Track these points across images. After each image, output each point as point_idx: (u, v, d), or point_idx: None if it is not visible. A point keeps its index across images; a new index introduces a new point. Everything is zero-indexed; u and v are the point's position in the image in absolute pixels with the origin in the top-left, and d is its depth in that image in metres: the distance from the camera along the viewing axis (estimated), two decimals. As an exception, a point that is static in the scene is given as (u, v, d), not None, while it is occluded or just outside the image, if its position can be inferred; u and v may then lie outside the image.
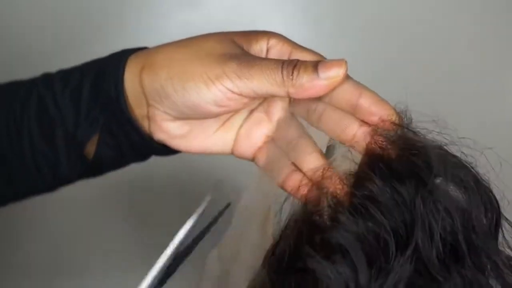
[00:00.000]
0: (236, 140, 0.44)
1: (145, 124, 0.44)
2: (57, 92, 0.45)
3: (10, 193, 0.48)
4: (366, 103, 0.39)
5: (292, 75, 0.39)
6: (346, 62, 0.40)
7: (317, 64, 0.39)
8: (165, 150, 0.45)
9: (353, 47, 1.03)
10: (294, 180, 0.40)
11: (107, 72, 0.44)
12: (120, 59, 0.44)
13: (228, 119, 0.44)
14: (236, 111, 0.44)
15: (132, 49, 0.46)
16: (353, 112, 0.40)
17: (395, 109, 0.40)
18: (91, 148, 0.45)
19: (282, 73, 0.39)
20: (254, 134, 0.44)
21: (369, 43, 1.02)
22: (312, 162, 0.41)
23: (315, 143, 0.42)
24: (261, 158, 0.43)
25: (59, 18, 0.99)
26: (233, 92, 0.40)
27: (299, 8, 1.00)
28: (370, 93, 0.40)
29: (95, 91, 0.44)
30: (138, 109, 0.43)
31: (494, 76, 1.04)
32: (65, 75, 0.47)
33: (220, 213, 0.49)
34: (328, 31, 1.02)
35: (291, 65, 0.39)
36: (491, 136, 1.03)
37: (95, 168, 0.47)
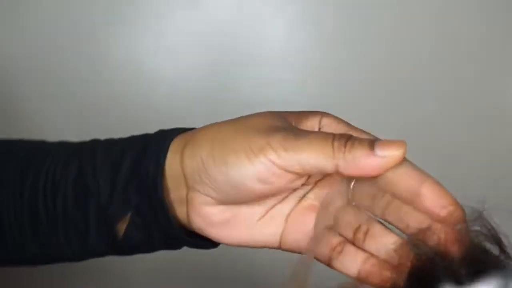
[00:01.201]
0: (285, 230, 0.40)
1: (182, 210, 0.41)
2: (98, 161, 0.43)
3: (40, 253, 0.46)
4: (428, 192, 0.35)
5: (344, 147, 0.36)
6: (405, 143, 0.35)
7: (373, 141, 0.36)
8: (199, 242, 0.43)
9: (353, 49, 1.02)
10: (373, 265, 0.36)
11: (149, 151, 0.42)
12: (165, 137, 0.42)
13: (274, 205, 0.41)
14: (281, 193, 0.40)
15: (180, 128, 0.43)
16: (413, 200, 0.35)
17: (457, 204, 0.35)
18: (121, 227, 0.43)
19: (332, 144, 0.36)
20: (308, 222, 0.39)
21: (369, 45, 1.02)
22: (390, 241, 0.37)
23: (385, 226, 0.38)
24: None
25: (59, 18, 0.98)
26: (277, 165, 0.37)
27: (299, 9, 1.00)
28: (433, 181, 0.35)
29: (135, 168, 0.42)
30: (176, 191, 0.41)
31: (494, 76, 1.04)
32: (109, 145, 0.45)
33: None
34: (329, 32, 1.02)
35: (344, 138, 0.36)
36: (491, 137, 1.03)
37: (124, 248, 0.44)
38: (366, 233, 0.38)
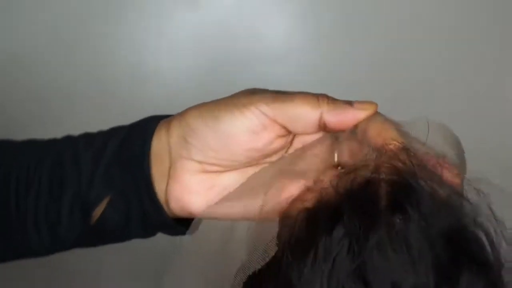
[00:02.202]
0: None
1: (161, 187, 0.42)
2: (80, 149, 0.44)
3: (5, 249, 0.46)
4: (373, 124, 0.39)
5: (327, 100, 0.40)
6: (377, 104, 0.40)
7: (350, 101, 0.40)
8: (176, 225, 0.43)
9: (353, 48, 1.03)
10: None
11: (134, 133, 0.43)
12: (151, 120, 0.44)
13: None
14: (262, 157, 0.41)
15: (163, 115, 0.45)
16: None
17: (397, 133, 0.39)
18: (97, 212, 0.43)
19: (317, 97, 0.40)
20: (288, 189, 0.40)
21: (369, 45, 1.02)
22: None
23: None
24: None
25: (59, 18, 0.99)
26: (267, 115, 0.39)
27: (299, 8, 1.00)
28: (383, 118, 0.40)
29: (119, 151, 0.43)
30: (158, 166, 0.42)
31: (494, 75, 1.04)
32: (90, 135, 0.45)
33: None
34: (328, 32, 1.02)
35: (325, 95, 0.40)
36: (490, 136, 1.03)
37: (94, 234, 0.44)
38: None
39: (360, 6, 1.02)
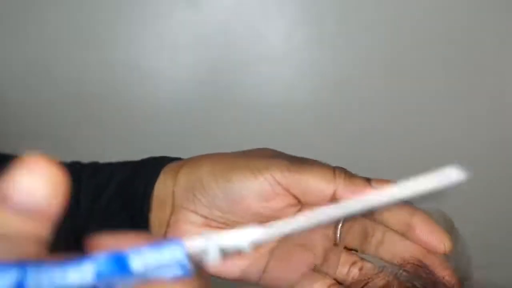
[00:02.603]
0: (268, 264, 0.40)
1: (161, 232, 0.40)
2: (83, 181, 0.43)
3: None
4: (418, 223, 0.38)
5: (344, 175, 0.38)
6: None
7: (368, 178, 0.39)
8: None
9: (353, 48, 1.03)
10: None
11: (140, 172, 0.42)
12: (158, 161, 0.42)
13: None
14: (271, 220, 0.39)
15: (172, 157, 0.43)
16: (405, 231, 0.38)
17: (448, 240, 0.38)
18: None
19: (334, 171, 0.38)
20: (295, 259, 0.39)
21: (370, 43, 1.02)
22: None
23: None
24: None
25: (59, 18, 0.99)
26: (280, 183, 0.38)
27: (299, 8, 1.00)
28: (422, 213, 0.39)
29: (122, 188, 0.42)
30: (158, 212, 0.40)
31: (494, 75, 1.04)
32: (95, 169, 0.44)
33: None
34: (328, 32, 1.02)
35: (344, 169, 0.39)
36: (490, 136, 1.02)
37: None
38: (361, 269, 0.39)
39: (360, 7, 1.02)
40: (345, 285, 0.37)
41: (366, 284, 0.36)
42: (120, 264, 0.19)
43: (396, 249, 0.38)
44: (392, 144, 1.00)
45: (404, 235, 0.38)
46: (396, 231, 0.38)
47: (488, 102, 1.04)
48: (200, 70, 1.01)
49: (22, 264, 0.18)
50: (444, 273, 0.36)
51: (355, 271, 0.38)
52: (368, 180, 0.38)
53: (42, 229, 0.22)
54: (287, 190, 0.38)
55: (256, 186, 0.38)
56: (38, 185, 0.20)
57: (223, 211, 0.39)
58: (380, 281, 0.36)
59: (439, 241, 0.37)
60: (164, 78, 1.01)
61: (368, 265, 0.39)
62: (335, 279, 0.39)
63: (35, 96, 1.00)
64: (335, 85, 1.01)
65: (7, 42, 0.99)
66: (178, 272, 0.18)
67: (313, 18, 1.01)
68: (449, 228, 0.39)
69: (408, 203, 0.38)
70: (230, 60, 1.01)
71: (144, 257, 0.18)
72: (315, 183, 0.38)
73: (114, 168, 0.44)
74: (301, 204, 0.40)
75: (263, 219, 0.39)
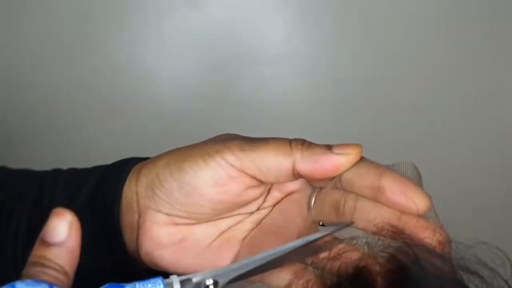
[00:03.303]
0: (239, 255, 0.38)
1: (132, 237, 0.39)
2: (58, 189, 0.41)
3: None
4: (387, 184, 0.33)
5: (302, 145, 0.35)
6: (361, 145, 0.35)
7: (330, 145, 0.35)
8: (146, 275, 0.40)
9: (352, 48, 1.03)
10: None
11: (108, 178, 0.40)
12: (125, 164, 0.40)
13: (229, 228, 0.39)
14: (235, 208, 0.38)
15: (139, 157, 0.41)
16: (375, 196, 0.34)
17: (422, 195, 0.33)
18: None
19: (290, 143, 0.35)
20: (265, 248, 0.35)
21: (368, 45, 1.02)
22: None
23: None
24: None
25: (59, 18, 0.99)
26: (233, 165, 0.35)
27: (299, 8, 1.00)
28: (391, 173, 0.34)
29: (92, 195, 0.40)
30: (128, 216, 0.39)
31: (494, 75, 1.04)
32: (70, 177, 0.43)
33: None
34: (328, 32, 1.02)
35: (301, 140, 0.35)
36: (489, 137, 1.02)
37: None
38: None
39: (359, 7, 1.02)
40: (319, 267, 0.34)
41: (338, 259, 0.32)
42: None
43: (370, 216, 0.34)
44: (392, 144, 1.00)
45: (375, 199, 0.34)
46: (367, 197, 0.34)
47: (488, 102, 1.04)
48: (200, 70, 1.01)
49: None
50: (423, 235, 0.32)
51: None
52: (329, 147, 0.35)
53: None
54: (242, 171, 0.35)
55: (208, 172, 0.36)
56: None
57: (182, 205, 0.37)
58: (354, 253, 0.32)
59: (412, 201, 0.33)
60: (165, 77, 1.01)
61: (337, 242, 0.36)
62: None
63: (36, 96, 1.00)
64: (335, 85, 1.01)
65: (7, 43, 0.99)
66: None
67: (313, 18, 1.01)
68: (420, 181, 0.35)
69: (375, 163, 0.35)
70: (229, 60, 1.01)
71: None
72: (270, 158, 0.35)
73: (88, 174, 0.42)
74: (263, 184, 0.37)
75: (224, 206, 0.37)
